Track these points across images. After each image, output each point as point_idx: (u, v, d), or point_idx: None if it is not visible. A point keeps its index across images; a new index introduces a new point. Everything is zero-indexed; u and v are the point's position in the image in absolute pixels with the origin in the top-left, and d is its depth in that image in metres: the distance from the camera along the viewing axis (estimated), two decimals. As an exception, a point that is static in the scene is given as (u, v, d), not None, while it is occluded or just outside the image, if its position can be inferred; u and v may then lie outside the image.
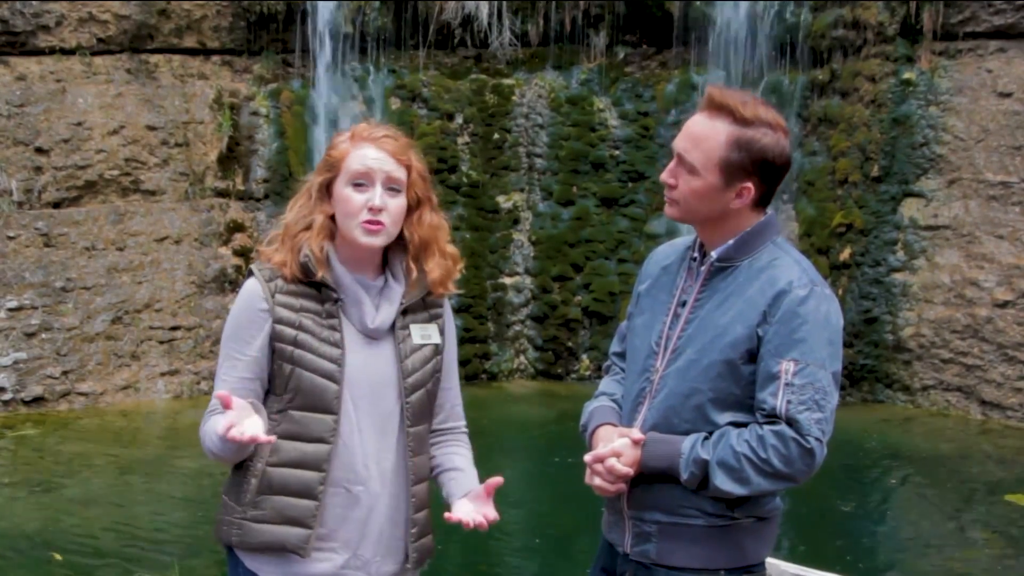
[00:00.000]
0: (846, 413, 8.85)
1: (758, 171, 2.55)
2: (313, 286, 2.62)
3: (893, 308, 9.28)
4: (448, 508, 2.67)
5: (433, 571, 2.88)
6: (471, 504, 2.64)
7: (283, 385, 2.59)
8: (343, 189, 2.60)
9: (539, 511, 7.12)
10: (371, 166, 2.59)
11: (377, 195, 2.59)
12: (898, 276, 9.34)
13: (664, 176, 2.64)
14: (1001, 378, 8.76)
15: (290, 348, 2.57)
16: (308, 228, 2.62)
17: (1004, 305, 8.82)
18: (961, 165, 9.30)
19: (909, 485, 7.81)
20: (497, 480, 2.59)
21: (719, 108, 2.56)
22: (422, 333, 2.70)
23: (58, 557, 5.81)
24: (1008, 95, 9.24)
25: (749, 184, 2.56)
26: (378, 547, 2.65)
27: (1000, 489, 7.27)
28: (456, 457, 2.77)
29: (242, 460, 2.60)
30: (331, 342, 2.59)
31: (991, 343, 8.80)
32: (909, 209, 9.42)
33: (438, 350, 2.73)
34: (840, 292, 9.47)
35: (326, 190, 2.64)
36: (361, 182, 2.60)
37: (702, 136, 2.57)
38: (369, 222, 2.58)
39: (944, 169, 9.38)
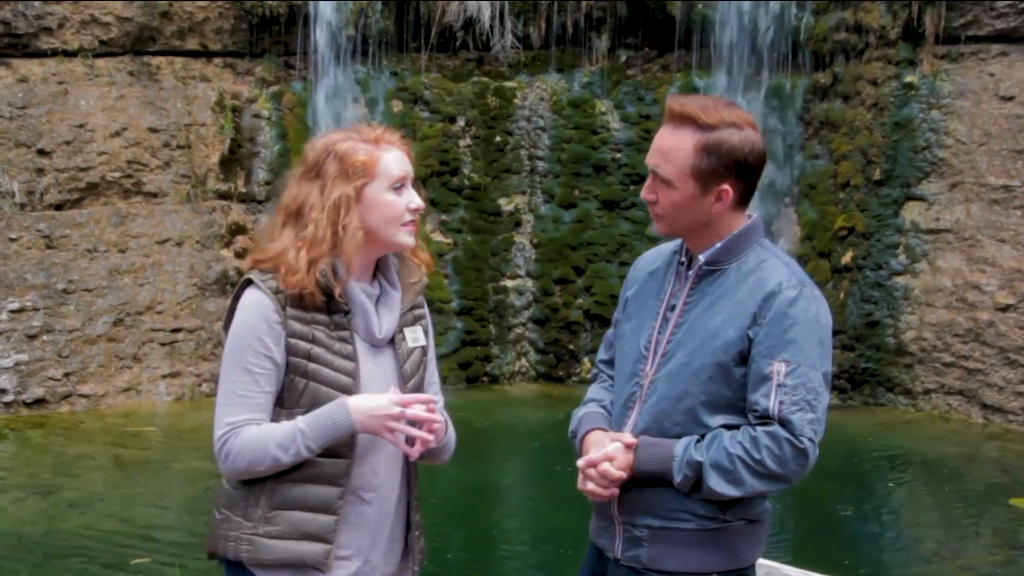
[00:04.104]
0: (847, 416, 8.84)
1: (732, 172, 2.58)
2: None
3: (895, 312, 9.27)
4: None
5: (431, 575, 2.88)
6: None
7: (294, 399, 2.57)
8: (383, 195, 2.59)
9: (540, 514, 7.11)
10: (406, 169, 2.63)
11: (416, 196, 2.63)
12: (900, 280, 9.33)
13: (644, 193, 2.69)
14: (1003, 382, 8.75)
15: (304, 362, 2.55)
16: (336, 243, 2.56)
17: (1006, 309, 8.80)
18: (963, 169, 9.28)
19: (910, 489, 7.80)
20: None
21: (681, 118, 2.59)
22: (412, 336, 2.72)
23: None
24: (1010, 99, 9.23)
25: (726, 186, 2.59)
26: (385, 551, 2.66)
27: (1003, 493, 7.25)
28: None
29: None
30: (344, 355, 2.58)
31: (993, 347, 8.79)
32: (911, 213, 9.41)
33: (424, 351, 2.75)
34: (841, 296, 9.46)
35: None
36: (399, 185, 2.61)
37: (670, 148, 2.61)
38: (409, 223, 2.62)
39: (946, 173, 9.37)
